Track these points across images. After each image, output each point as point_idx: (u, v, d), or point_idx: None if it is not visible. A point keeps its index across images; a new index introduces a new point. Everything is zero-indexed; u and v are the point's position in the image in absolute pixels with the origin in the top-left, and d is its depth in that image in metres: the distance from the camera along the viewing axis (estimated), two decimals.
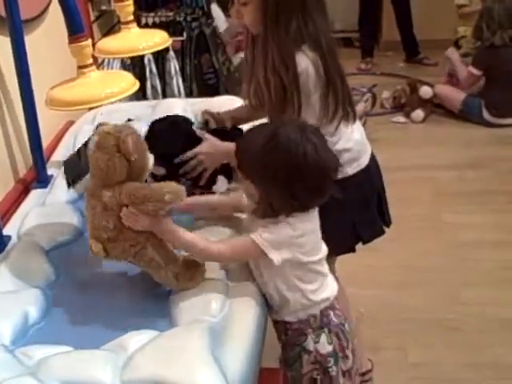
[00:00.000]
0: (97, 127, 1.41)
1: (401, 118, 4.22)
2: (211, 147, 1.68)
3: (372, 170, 1.82)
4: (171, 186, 1.32)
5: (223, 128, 1.81)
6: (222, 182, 1.73)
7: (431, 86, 4.27)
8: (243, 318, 1.31)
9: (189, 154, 1.66)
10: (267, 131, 1.36)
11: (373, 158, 1.83)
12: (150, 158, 1.39)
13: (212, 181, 1.71)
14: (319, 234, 1.42)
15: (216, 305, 1.33)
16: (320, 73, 1.57)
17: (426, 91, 4.21)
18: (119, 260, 1.38)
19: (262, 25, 1.58)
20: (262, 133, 1.37)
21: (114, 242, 1.34)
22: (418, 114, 4.17)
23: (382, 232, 1.88)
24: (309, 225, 1.38)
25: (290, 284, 1.39)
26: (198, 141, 1.70)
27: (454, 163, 3.59)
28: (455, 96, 4.13)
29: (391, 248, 2.52)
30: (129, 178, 1.33)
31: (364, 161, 1.78)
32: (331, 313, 1.45)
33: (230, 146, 1.62)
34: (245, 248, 1.36)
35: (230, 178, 1.75)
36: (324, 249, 1.44)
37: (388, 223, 1.92)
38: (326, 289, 1.45)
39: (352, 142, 1.73)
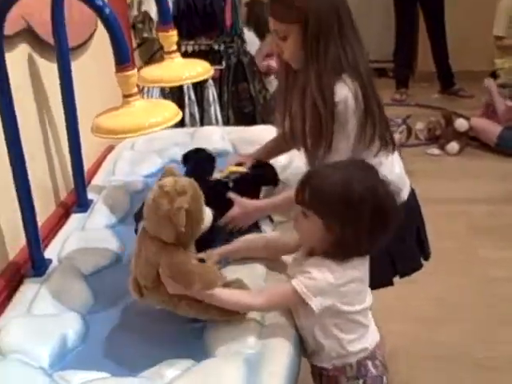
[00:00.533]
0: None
1: (435, 150, 4.20)
2: (242, 210, 1.67)
3: (411, 203, 1.81)
4: (207, 273, 1.30)
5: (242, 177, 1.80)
6: (265, 222, 1.74)
7: (467, 118, 4.24)
8: (277, 356, 1.28)
9: (223, 220, 1.64)
10: (341, 169, 1.36)
11: (412, 192, 1.82)
12: (208, 216, 1.37)
13: (256, 225, 1.71)
14: (366, 284, 1.39)
15: (252, 339, 1.32)
16: (359, 103, 1.56)
17: (461, 124, 4.18)
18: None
19: (302, 56, 1.59)
20: (336, 171, 1.35)
21: (149, 291, 1.35)
22: (453, 146, 4.14)
23: (420, 266, 1.86)
24: (355, 273, 1.34)
25: (327, 333, 1.36)
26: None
27: (489, 197, 3.55)
28: (492, 129, 4.09)
29: (426, 281, 2.49)
30: (177, 242, 1.33)
31: (404, 195, 1.77)
32: (369, 363, 1.40)
33: (258, 204, 1.70)
34: (285, 297, 1.34)
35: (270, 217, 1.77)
36: (369, 299, 1.40)
37: (427, 256, 1.90)
38: (366, 340, 1.40)
39: (394, 175, 1.68)
